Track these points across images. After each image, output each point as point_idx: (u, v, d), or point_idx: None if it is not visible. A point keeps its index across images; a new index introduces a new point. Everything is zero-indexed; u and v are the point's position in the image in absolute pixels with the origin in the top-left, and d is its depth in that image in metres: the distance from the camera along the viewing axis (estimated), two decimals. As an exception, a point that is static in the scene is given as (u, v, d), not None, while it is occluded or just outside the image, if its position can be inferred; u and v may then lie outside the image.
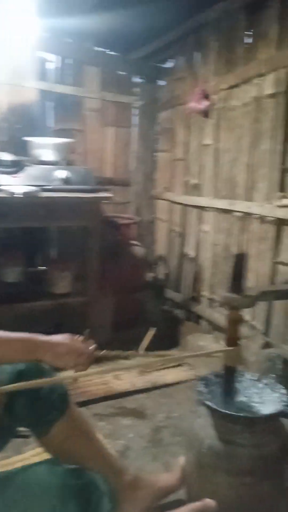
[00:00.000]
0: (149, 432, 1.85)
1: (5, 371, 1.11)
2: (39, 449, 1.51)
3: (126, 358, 1.24)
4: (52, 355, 1.05)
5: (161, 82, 3.39)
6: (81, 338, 1.14)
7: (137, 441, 1.79)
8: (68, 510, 0.86)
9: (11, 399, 1.08)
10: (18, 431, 1.38)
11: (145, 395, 2.16)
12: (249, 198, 2.35)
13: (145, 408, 2.04)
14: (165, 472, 1.52)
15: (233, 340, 1.22)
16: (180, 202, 3.09)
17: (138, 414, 1.99)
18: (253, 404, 1.32)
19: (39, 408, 1.14)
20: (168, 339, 2.78)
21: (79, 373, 1.12)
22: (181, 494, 1.40)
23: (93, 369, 1.16)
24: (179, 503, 1.36)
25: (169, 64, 3.34)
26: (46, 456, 1.27)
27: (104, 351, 1.16)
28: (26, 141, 2.53)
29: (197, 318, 2.96)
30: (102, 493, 0.94)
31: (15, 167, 2.22)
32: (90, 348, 1.12)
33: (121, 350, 1.20)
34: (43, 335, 1.08)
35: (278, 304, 2.16)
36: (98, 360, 1.17)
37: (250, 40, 2.32)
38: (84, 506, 0.89)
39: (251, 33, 2.31)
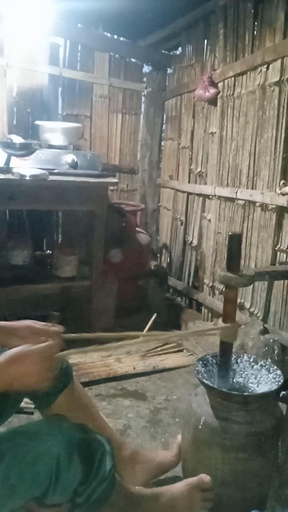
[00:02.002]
0: (148, 413, 1.90)
1: None
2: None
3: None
4: (16, 338, 1.05)
5: (169, 70, 3.40)
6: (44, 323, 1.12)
7: (137, 421, 1.84)
8: (73, 461, 0.90)
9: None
10: (21, 408, 1.43)
11: (145, 378, 2.21)
12: (252, 186, 2.37)
13: (145, 390, 2.09)
14: (163, 450, 1.57)
15: (229, 317, 1.26)
16: (185, 190, 3.11)
17: (139, 395, 2.04)
18: (249, 384, 1.36)
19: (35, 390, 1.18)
20: (169, 326, 2.83)
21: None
22: (178, 471, 1.45)
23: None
24: (176, 479, 1.41)
25: (177, 52, 3.34)
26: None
27: (77, 334, 1.14)
28: (36, 125, 2.56)
29: (199, 305, 3.00)
30: (105, 451, 0.98)
31: (25, 150, 2.24)
32: (53, 329, 1.09)
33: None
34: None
35: (277, 291, 2.20)
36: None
37: (257, 28, 2.32)
38: (88, 460, 0.94)
39: (258, 21, 2.31)
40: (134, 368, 2.24)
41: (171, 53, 3.43)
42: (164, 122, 3.52)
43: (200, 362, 1.35)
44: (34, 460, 0.88)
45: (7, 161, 2.18)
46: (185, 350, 2.49)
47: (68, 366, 1.26)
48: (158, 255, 3.62)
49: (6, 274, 2.49)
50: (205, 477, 1.23)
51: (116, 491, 1.00)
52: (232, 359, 1.34)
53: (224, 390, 1.23)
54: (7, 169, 2.15)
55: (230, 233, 1.23)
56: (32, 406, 1.64)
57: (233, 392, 1.24)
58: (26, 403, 1.59)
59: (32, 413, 1.73)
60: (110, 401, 1.98)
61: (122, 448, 1.34)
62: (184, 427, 1.36)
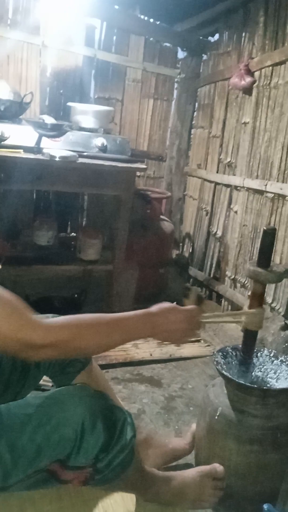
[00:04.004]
0: (163, 400, 1.91)
1: None
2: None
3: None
4: (166, 335, 1.03)
5: (205, 56, 3.33)
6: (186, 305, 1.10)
7: (151, 406, 1.86)
8: (96, 426, 0.93)
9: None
10: (39, 385, 1.46)
11: (161, 365, 2.22)
12: (283, 179, 2.33)
13: (161, 377, 2.10)
14: (176, 437, 1.58)
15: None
16: (212, 180, 3.07)
17: (154, 382, 2.06)
18: (268, 379, 1.35)
19: (64, 359, 1.20)
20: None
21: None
22: (190, 459, 1.46)
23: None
24: (187, 467, 1.42)
25: (214, 38, 3.27)
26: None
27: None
28: (67, 106, 2.56)
29: (219, 297, 2.98)
30: (127, 420, 1.00)
31: (56, 131, 2.24)
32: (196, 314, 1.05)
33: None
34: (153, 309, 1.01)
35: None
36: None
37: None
38: (110, 426, 0.96)
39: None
40: (150, 355, 2.25)
41: (208, 39, 3.36)
42: (195, 109, 3.46)
43: (220, 353, 1.35)
44: (60, 423, 0.90)
45: (38, 141, 2.19)
46: (202, 341, 2.48)
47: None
48: (181, 244, 3.60)
49: (30, 254, 2.51)
50: (218, 467, 1.24)
51: (134, 464, 1.02)
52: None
53: (243, 382, 1.22)
54: (37, 149, 2.16)
55: (264, 228, 1.21)
56: (50, 384, 1.67)
57: (252, 385, 1.24)
58: (44, 380, 1.62)
59: (49, 391, 1.76)
60: (125, 385, 2.00)
61: (130, 414, 1.36)
62: (199, 416, 1.36)
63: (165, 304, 1.03)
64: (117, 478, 1.00)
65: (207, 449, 1.31)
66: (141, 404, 1.87)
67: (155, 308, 1.01)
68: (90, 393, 0.99)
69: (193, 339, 2.42)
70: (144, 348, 2.32)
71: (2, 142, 2.09)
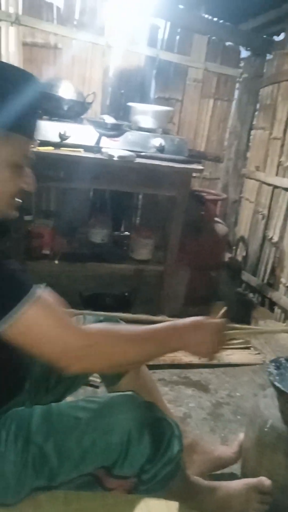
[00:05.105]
0: (210, 406, 1.89)
1: None
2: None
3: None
4: (195, 348, 1.01)
5: (269, 56, 3.24)
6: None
7: (198, 411, 1.84)
8: (143, 438, 0.93)
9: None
10: (87, 380, 1.49)
11: (209, 370, 2.19)
12: None
13: (208, 382, 2.08)
14: (222, 445, 1.55)
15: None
16: (271, 183, 2.98)
17: (201, 387, 2.03)
18: None
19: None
20: (238, 322, 2.74)
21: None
22: (235, 468, 1.43)
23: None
24: (233, 476, 1.39)
25: (279, 37, 3.17)
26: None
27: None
28: (127, 106, 2.58)
29: (272, 304, 2.89)
30: (174, 433, 1.00)
31: (116, 131, 2.27)
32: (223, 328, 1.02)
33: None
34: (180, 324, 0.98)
35: None
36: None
37: None
38: (157, 439, 0.95)
39: None
40: (199, 359, 2.23)
41: (272, 38, 3.26)
42: (256, 110, 3.38)
43: (273, 364, 1.30)
44: (108, 430, 0.91)
45: (98, 141, 2.22)
46: (252, 348, 2.43)
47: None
48: (234, 247, 3.53)
49: (85, 251, 2.57)
50: (265, 480, 1.20)
51: (179, 476, 1.01)
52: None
53: (297, 396, 1.17)
54: (97, 149, 2.20)
55: None
56: (98, 380, 1.70)
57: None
58: (93, 376, 1.65)
59: (97, 387, 1.80)
60: (172, 388, 1.99)
61: (178, 424, 1.35)
62: (248, 426, 1.33)
63: (192, 318, 1.01)
64: (161, 489, 1.00)
65: (254, 461, 1.27)
66: (187, 408, 1.85)
67: (183, 321, 0.99)
68: (139, 403, 0.99)
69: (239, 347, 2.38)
70: (192, 351, 2.30)
71: (64, 141, 2.15)
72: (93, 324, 0.96)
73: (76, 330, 0.87)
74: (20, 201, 0.98)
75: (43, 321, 0.83)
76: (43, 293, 0.86)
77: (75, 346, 0.85)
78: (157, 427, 0.97)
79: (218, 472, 1.41)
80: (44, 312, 0.84)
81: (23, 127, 0.91)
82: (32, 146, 0.96)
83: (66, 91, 2.26)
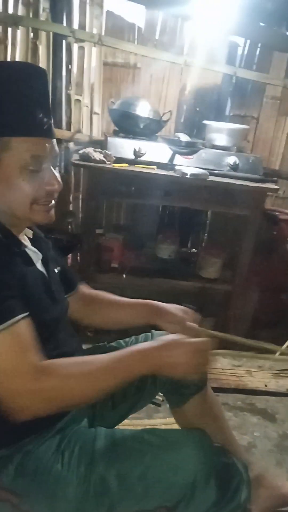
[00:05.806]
0: (276, 437, 1.79)
1: None
2: (170, 419, 1.59)
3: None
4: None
5: None
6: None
7: (263, 441, 1.75)
8: (209, 483, 0.88)
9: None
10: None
11: (276, 399, 2.09)
12: None
13: (275, 411, 1.98)
14: (289, 481, 1.45)
15: None
16: None
17: (268, 415, 1.94)
18: None
19: (180, 379, 1.18)
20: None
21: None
22: (303, 509, 1.33)
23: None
24: (299, 517, 1.30)
25: None
26: (176, 426, 1.32)
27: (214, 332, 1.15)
28: (202, 124, 2.58)
29: None
30: (243, 479, 0.95)
31: (190, 149, 2.27)
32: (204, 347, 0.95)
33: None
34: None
35: None
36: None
37: None
38: (224, 487, 0.91)
39: None
40: (265, 386, 2.14)
41: None
42: None
43: None
44: (172, 470, 0.88)
45: (171, 159, 2.24)
46: None
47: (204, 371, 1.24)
48: (306, 270, 3.36)
49: (152, 266, 2.58)
50: None
51: None
52: None
53: None
54: (170, 166, 2.21)
55: None
56: (161, 398, 1.68)
57: None
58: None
59: (159, 405, 1.77)
60: (236, 414, 1.92)
61: (247, 468, 1.28)
62: None
63: (169, 337, 0.96)
64: None
65: None
66: (252, 437, 1.77)
67: (157, 341, 0.95)
68: (207, 444, 0.95)
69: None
70: (259, 377, 2.21)
71: (138, 158, 2.18)
72: (56, 360, 0.89)
73: (32, 371, 0.82)
74: (53, 202, 0.95)
75: (5, 350, 0.81)
76: (22, 324, 0.83)
77: (24, 390, 0.81)
78: (225, 472, 0.93)
79: (285, 509, 1.32)
80: (10, 342, 0.81)
81: (23, 129, 0.87)
82: (48, 143, 0.91)
83: (142, 109, 2.30)
